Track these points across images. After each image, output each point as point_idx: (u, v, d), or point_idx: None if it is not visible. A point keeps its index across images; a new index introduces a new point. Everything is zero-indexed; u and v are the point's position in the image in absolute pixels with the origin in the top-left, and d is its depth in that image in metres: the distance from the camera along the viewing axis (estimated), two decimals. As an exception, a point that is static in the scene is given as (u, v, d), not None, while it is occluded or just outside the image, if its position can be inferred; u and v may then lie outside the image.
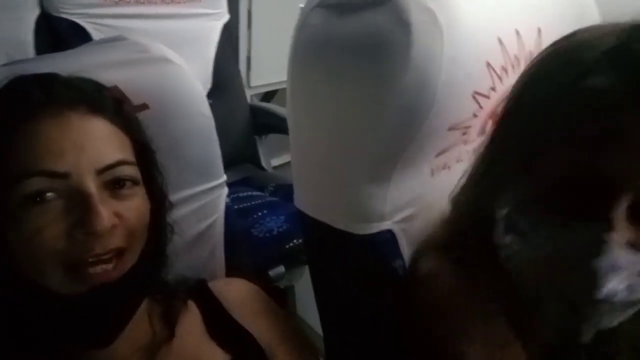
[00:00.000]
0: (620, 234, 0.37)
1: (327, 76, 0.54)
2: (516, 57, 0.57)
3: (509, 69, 0.57)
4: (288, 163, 0.76)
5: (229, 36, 1.51)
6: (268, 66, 1.64)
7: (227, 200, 0.77)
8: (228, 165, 0.76)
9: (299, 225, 0.70)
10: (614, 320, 0.42)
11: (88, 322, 0.47)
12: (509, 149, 0.46)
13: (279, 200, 1.32)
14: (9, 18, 1.09)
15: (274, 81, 1.70)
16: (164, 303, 0.58)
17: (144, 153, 0.53)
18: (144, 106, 0.61)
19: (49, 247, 0.44)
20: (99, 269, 0.45)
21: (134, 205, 0.49)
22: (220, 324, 0.60)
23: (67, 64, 0.57)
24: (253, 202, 1.31)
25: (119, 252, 0.47)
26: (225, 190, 0.76)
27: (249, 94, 1.66)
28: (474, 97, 0.56)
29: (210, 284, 0.64)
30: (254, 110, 1.58)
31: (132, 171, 0.49)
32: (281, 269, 1.20)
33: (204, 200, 0.72)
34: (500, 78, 0.56)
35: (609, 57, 0.39)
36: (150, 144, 0.55)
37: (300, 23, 0.57)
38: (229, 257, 0.77)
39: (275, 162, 1.71)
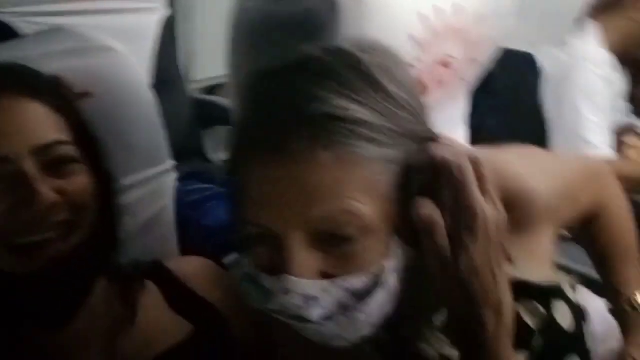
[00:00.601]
0: (305, 268, 0.39)
1: (263, 55, 0.56)
2: (435, 30, 0.62)
3: (431, 40, 0.61)
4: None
5: (170, 31, 1.50)
6: (212, 60, 1.63)
7: (178, 184, 0.78)
8: (175, 161, 0.78)
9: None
10: (353, 335, 0.42)
11: (42, 300, 0.48)
12: None
13: (228, 190, 1.33)
14: None
15: (217, 75, 1.70)
16: (122, 286, 0.59)
17: (83, 134, 0.54)
18: (87, 94, 0.62)
19: None
20: (47, 248, 0.47)
21: (77, 181, 0.50)
22: (181, 297, 0.62)
23: (7, 55, 0.57)
24: (202, 195, 1.31)
25: (67, 227, 0.48)
26: (174, 176, 0.77)
27: (192, 88, 1.65)
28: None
29: (166, 263, 0.66)
30: (198, 104, 1.57)
31: (69, 151, 0.50)
32: (235, 256, 1.22)
33: (152, 186, 0.73)
34: (422, 49, 0.61)
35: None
36: (88, 125, 0.55)
37: (236, 6, 0.59)
38: (181, 246, 0.79)
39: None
